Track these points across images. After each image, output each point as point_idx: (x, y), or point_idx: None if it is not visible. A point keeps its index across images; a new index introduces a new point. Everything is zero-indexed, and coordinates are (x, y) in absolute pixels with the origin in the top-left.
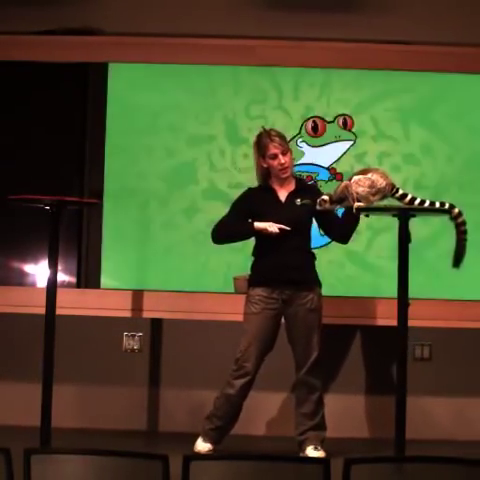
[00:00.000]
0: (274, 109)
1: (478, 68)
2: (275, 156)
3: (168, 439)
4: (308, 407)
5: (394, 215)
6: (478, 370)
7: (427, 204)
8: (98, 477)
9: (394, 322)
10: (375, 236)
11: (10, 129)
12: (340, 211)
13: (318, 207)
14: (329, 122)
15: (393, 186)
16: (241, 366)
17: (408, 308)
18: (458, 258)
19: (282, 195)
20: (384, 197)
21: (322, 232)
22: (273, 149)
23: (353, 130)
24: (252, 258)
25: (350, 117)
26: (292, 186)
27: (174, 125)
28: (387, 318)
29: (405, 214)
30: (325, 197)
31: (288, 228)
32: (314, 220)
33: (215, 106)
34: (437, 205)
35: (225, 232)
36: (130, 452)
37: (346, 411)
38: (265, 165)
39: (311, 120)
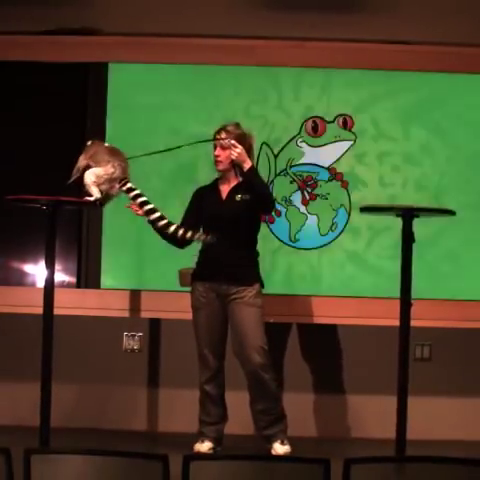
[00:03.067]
0: (274, 109)
1: (478, 68)
2: (214, 147)
3: (168, 439)
4: (264, 403)
5: (398, 215)
6: (478, 370)
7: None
8: (98, 477)
9: (394, 322)
10: (375, 236)
11: (10, 129)
12: None
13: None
14: (329, 122)
15: (124, 178)
16: (200, 361)
17: (410, 308)
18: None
19: (224, 192)
20: (112, 186)
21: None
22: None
23: (353, 130)
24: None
25: (350, 117)
26: (235, 183)
27: (174, 125)
28: (387, 318)
29: (409, 214)
30: None
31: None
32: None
33: (215, 106)
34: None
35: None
36: (130, 452)
37: (352, 411)
38: None
39: (311, 120)
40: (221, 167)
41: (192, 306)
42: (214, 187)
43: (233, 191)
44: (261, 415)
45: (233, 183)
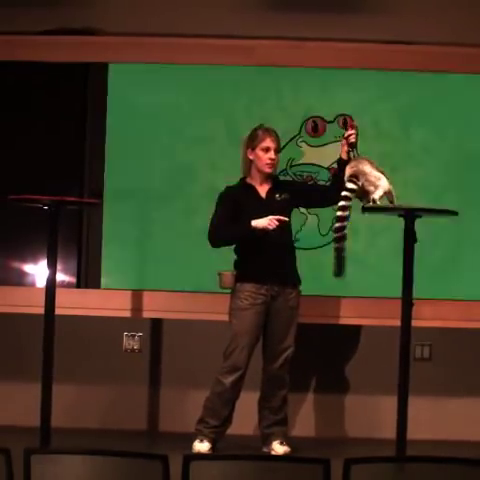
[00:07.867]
0: (274, 109)
1: (478, 68)
2: (268, 149)
3: (168, 439)
4: (274, 402)
5: (400, 215)
6: (478, 370)
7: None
8: (98, 477)
9: (394, 322)
10: (375, 236)
11: (10, 129)
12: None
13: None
14: (329, 122)
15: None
16: (231, 362)
17: (412, 308)
18: (338, 267)
19: (262, 192)
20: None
21: (315, 207)
22: (269, 142)
23: None
24: (234, 256)
25: (350, 117)
26: (270, 183)
27: (174, 125)
28: (387, 318)
29: (411, 214)
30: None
31: (286, 218)
32: (298, 207)
33: (215, 106)
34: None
35: (223, 236)
36: (130, 452)
37: (352, 411)
38: (251, 157)
39: (311, 120)
40: (272, 171)
41: (236, 307)
42: (247, 187)
43: (271, 191)
44: (268, 413)
45: (269, 184)
